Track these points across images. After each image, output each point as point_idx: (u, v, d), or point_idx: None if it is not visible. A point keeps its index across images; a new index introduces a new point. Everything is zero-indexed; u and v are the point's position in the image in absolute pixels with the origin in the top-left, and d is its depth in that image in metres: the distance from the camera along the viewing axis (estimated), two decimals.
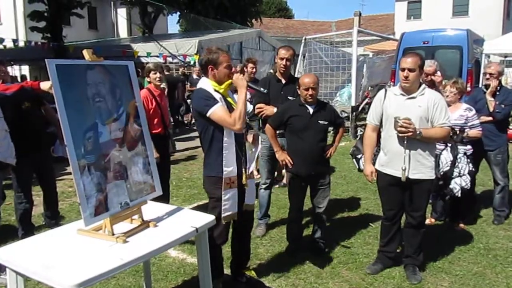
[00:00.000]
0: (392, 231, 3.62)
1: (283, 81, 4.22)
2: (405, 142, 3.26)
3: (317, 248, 3.95)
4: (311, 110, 3.73)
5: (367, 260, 3.82)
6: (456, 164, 4.04)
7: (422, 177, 3.34)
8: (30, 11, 16.07)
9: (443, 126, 3.30)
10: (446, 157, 4.05)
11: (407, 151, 3.27)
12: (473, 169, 4.16)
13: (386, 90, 3.53)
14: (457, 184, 4.04)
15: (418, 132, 3.19)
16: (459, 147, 4.09)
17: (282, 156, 3.82)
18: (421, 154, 3.32)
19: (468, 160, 4.14)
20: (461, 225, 4.62)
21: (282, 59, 4.15)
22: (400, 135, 3.24)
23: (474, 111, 4.30)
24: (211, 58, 3.01)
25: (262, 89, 3.37)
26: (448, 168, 4.01)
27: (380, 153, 3.56)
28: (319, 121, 3.73)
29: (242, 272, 3.43)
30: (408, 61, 3.26)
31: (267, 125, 3.87)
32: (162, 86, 4.86)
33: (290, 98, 4.12)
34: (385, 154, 3.47)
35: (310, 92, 3.67)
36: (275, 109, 4.06)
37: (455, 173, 4.04)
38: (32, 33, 16.12)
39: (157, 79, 4.62)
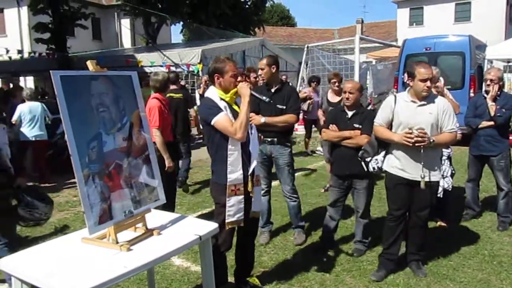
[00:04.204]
0: (397, 232, 3.67)
1: (273, 90, 4.23)
2: (422, 151, 3.34)
3: (355, 249, 4.15)
4: (349, 115, 4.00)
5: (371, 267, 3.81)
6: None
7: (434, 179, 3.51)
8: (35, 23, 16.28)
9: (451, 131, 3.42)
10: None
11: (424, 159, 3.36)
12: (454, 171, 4.34)
13: (395, 96, 3.60)
14: (440, 186, 4.09)
15: (431, 140, 3.30)
16: (443, 150, 4.15)
17: (348, 132, 3.97)
18: (434, 159, 3.48)
19: (450, 163, 4.30)
20: (442, 223, 4.76)
21: (258, 69, 4.33)
22: (417, 145, 3.32)
23: None
24: (217, 67, 3.08)
25: (264, 98, 3.37)
26: None
27: (391, 156, 3.60)
28: (354, 125, 3.96)
29: (246, 280, 3.44)
30: (430, 72, 3.35)
31: (329, 128, 4.09)
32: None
33: (279, 106, 4.13)
34: (397, 158, 3.53)
35: (346, 95, 3.99)
36: (262, 119, 4.06)
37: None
38: (37, 44, 16.30)
39: None
